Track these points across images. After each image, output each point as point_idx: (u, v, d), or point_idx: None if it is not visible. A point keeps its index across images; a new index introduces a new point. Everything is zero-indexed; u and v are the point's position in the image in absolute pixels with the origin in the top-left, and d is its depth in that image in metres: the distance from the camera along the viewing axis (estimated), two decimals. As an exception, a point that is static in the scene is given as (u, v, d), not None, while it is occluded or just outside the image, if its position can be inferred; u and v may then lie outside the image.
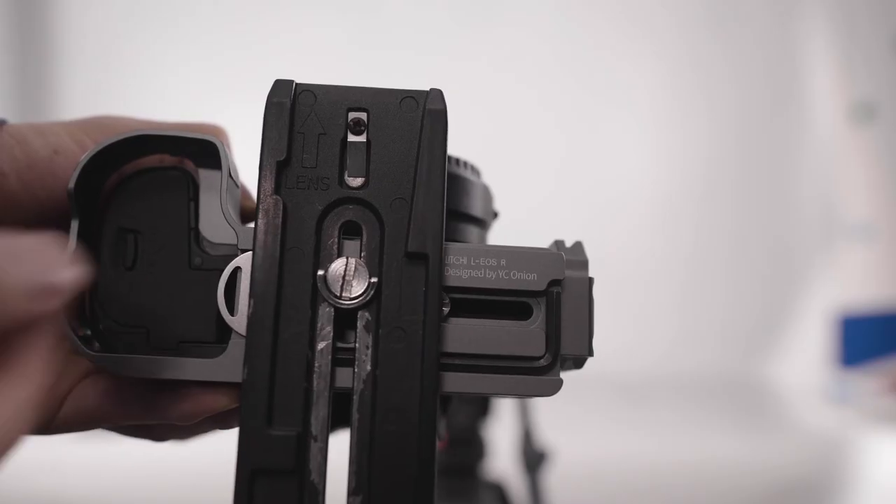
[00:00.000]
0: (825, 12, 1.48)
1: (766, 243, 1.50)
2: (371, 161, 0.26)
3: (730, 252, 1.48)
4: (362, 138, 0.26)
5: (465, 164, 0.31)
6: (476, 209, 0.31)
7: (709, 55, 1.47)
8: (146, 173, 0.27)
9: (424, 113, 0.26)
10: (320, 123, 0.26)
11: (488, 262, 0.26)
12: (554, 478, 0.58)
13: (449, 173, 0.29)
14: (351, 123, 0.26)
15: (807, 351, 1.47)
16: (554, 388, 0.26)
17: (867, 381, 1.44)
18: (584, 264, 0.27)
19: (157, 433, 0.29)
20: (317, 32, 1.37)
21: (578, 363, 0.27)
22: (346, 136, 0.26)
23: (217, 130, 0.30)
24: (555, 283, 0.26)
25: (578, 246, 0.28)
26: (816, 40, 1.48)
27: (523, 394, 0.26)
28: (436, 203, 0.25)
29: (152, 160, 0.28)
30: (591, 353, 0.27)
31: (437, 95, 0.26)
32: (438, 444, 0.25)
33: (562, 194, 1.43)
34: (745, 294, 1.48)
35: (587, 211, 1.44)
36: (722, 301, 1.47)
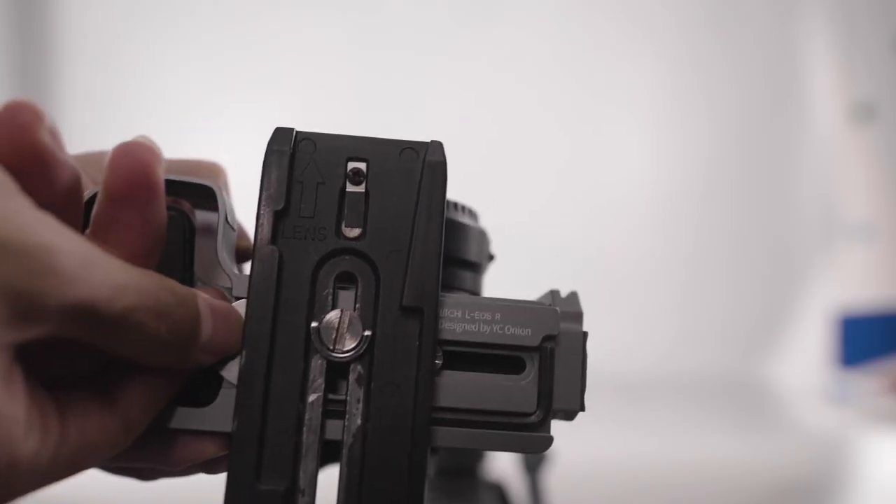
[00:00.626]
0: (825, 12, 1.48)
1: (766, 243, 1.50)
2: (369, 212, 0.26)
3: (730, 252, 1.48)
4: (361, 189, 0.26)
5: (463, 208, 0.31)
6: (471, 254, 0.31)
7: (709, 55, 1.47)
8: None
9: (424, 165, 0.26)
10: (319, 172, 0.26)
11: (483, 316, 0.26)
12: (554, 478, 0.58)
13: (447, 219, 0.29)
14: (350, 173, 0.26)
15: (807, 351, 1.47)
16: (544, 445, 0.26)
17: (867, 381, 1.44)
18: (578, 317, 0.27)
19: (144, 473, 0.29)
20: (317, 32, 1.37)
21: (569, 415, 0.27)
22: (344, 186, 0.26)
23: (215, 169, 0.30)
24: (549, 338, 0.26)
25: (573, 297, 0.27)
26: (816, 40, 1.48)
27: (513, 450, 0.26)
28: (433, 257, 0.25)
29: None
30: (582, 409, 0.27)
31: (437, 148, 0.26)
32: None
33: (562, 194, 1.43)
34: (745, 294, 1.48)
35: (587, 211, 1.44)
36: (722, 301, 1.47)
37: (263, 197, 0.25)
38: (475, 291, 0.32)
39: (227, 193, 0.30)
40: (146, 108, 1.31)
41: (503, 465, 0.56)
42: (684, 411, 1.30)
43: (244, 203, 0.31)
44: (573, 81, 1.44)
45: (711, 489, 1.06)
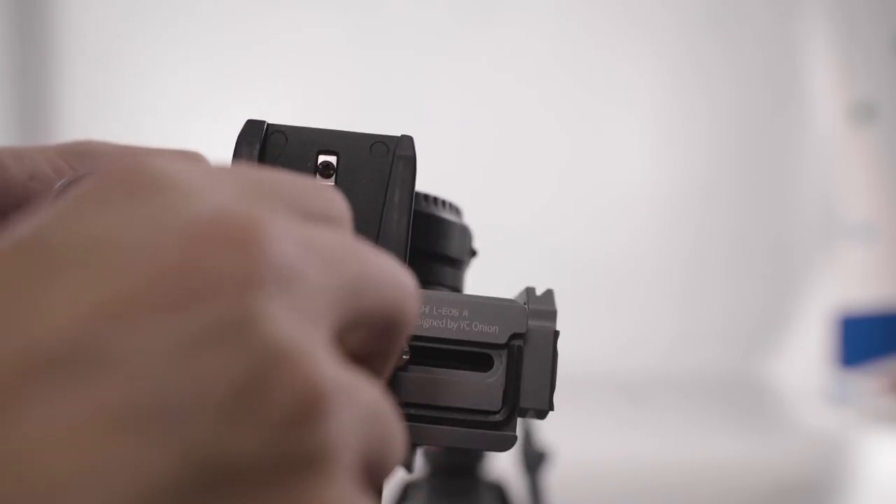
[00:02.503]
0: (825, 12, 1.48)
1: (767, 243, 1.50)
2: None
3: (730, 252, 1.48)
4: (331, 182, 0.26)
5: (444, 203, 0.31)
6: (451, 250, 0.31)
7: (709, 55, 1.47)
8: None
9: (394, 159, 0.26)
10: (289, 165, 0.26)
11: (450, 312, 0.26)
12: (554, 478, 0.58)
13: (427, 214, 0.29)
14: (320, 167, 0.26)
15: (807, 351, 1.47)
16: (507, 444, 0.26)
17: (867, 381, 1.44)
18: (551, 315, 0.26)
19: None
20: (317, 32, 1.37)
21: (540, 414, 0.27)
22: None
23: (195, 156, 0.30)
24: (516, 336, 0.26)
25: (549, 295, 0.27)
26: (816, 40, 1.48)
27: (477, 447, 0.26)
28: (399, 252, 0.25)
29: None
30: (551, 408, 0.26)
31: (407, 142, 0.26)
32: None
33: (562, 194, 1.43)
34: (746, 294, 1.48)
35: (587, 210, 1.44)
36: (722, 301, 1.47)
37: None
38: (455, 287, 0.31)
39: None
40: (146, 108, 1.31)
41: (503, 465, 0.56)
42: (684, 411, 1.31)
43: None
44: (573, 81, 1.44)
45: (712, 489, 1.06)
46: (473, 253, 0.33)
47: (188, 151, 0.31)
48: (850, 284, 1.48)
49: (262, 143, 0.26)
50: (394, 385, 0.25)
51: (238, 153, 0.26)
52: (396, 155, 0.26)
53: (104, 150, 0.29)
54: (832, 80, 1.48)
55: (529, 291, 0.27)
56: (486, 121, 1.42)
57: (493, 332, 0.26)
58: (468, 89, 1.41)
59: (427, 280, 0.29)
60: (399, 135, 0.27)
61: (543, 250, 1.39)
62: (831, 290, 1.48)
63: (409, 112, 1.38)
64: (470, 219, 0.33)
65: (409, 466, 0.32)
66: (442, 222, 0.30)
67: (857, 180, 1.49)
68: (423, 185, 0.28)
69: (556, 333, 0.26)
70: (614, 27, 1.46)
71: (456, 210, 0.32)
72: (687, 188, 1.47)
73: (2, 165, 0.27)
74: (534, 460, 0.56)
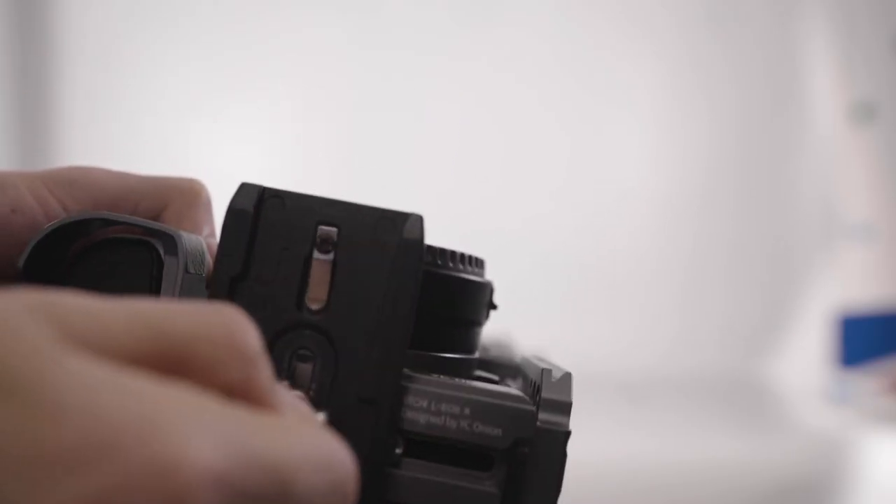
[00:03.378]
0: (825, 12, 1.48)
1: (767, 243, 1.50)
2: (335, 284, 0.24)
3: (730, 252, 1.48)
4: (329, 257, 0.24)
5: (466, 258, 0.28)
6: (467, 312, 0.28)
7: (709, 55, 1.47)
8: (109, 245, 0.25)
9: (400, 240, 0.24)
10: (285, 236, 0.24)
11: (450, 409, 0.24)
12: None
13: (445, 275, 0.27)
14: (318, 240, 0.24)
15: (807, 351, 1.47)
16: None
17: (867, 381, 1.44)
18: (565, 408, 0.24)
19: None
20: (317, 32, 1.37)
21: None
22: (311, 253, 0.24)
23: (191, 189, 0.28)
24: (522, 441, 0.23)
25: (566, 381, 0.24)
26: (816, 40, 1.48)
27: None
28: (396, 348, 0.23)
29: (118, 229, 0.26)
30: None
31: (415, 222, 0.24)
32: None
33: (562, 194, 1.43)
34: (746, 294, 1.48)
35: (588, 211, 1.44)
36: (722, 301, 1.47)
37: (220, 258, 0.24)
38: (469, 349, 0.29)
39: (205, 216, 0.29)
40: (146, 108, 1.31)
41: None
42: (684, 411, 1.30)
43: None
44: (573, 81, 1.44)
45: (712, 489, 1.06)
46: (493, 307, 0.30)
47: (190, 180, 0.29)
48: (850, 284, 1.48)
49: (256, 207, 0.24)
50: (384, 483, 0.23)
51: (229, 219, 0.24)
52: (403, 237, 0.24)
53: (92, 177, 0.27)
54: (832, 80, 1.48)
55: (545, 374, 0.25)
56: (485, 121, 1.42)
57: (496, 434, 0.24)
58: (468, 89, 1.41)
59: (438, 346, 0.27)
60: (409, 213, 0.24)
61: (543, 250, 1.39)
62: (831, 291, 1.48)
63: (409, 112, 1.38)
64: (470, 219, 0.32)
65: None
66: (462, 283, 0.28)
67: (857, 180, 1.49)
68: (423, 184, 0.27)
69: (568, 434, 0.24)
70: (614, 27, 1.46)
71: (479, 264, 0.29)
72: (687, 188, 1.47)
73: None
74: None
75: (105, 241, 0.25)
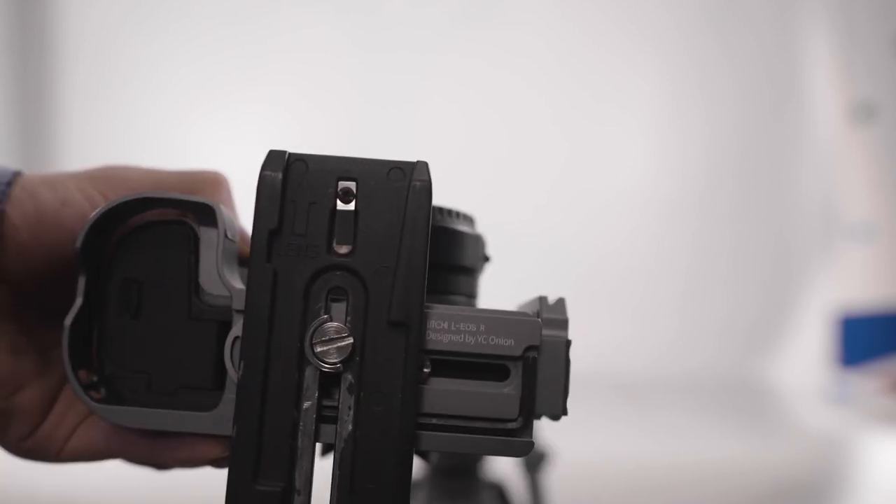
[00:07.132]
0: (825, 12, 1.48)
1: (766, 243, 1.50)
2: (358, 230, 0.27)
3: (730, 252, 1.48)
4: (351, 207, 0.27)
5: (458, 214, 0.32)
6: (466, 260, 0.32)
7: (709, 55, 1.47)
8: (150, 227, 0.29)
9: (410, 185, 0.27)
10: (311, 192, 0.27)
11: (468, 327, 0.27)
12: (554, 478, 0.58)
13: (442, 227, 0.31)
14: (340, 193, 0.27)
15: (807, 351, 1.47)
16: (524, 449, 0.27)
17: (867, 381, 1.44)
18: (563, 324, 0.28)
19: (161, 465, 0.31)
20: (317, 32, 1.37)
21: (554, 417, 0.29)
22: (335, 205, 0.27)
23: (216, 180, 0.32)
24: (531, 348, 0.27)
25: (560, 304, 0.28)
26: (816, 40, 1.48)
27: (495, 453, 0.27)
28: (418, 275, 0.27)
29: (156, 213, 0.29)
30: (564, 413, 0.28)
31: (422, 168, 0.27)
32: None
33: (562, 193, 1.44)
34: (745, 294, 1.48)
35: (587, 210, 1.44)
36: (722, 301, 1.47)
37: (258, 217, 0.27)
38: (470, 293, 0.33)
39: (230, 203, 0.32)
40: (146, 108, 1.31)
41: (503, 465, 0.56)
42: (684, 411, 1.31)
43: (246, 203, 0.31)
44: (573, 81, 1.44)
45: (711, 489, 1.06)
46: (487, 259, 0.35)
47: (213, 173, 0.31)
48: (850, 284, 1.48)
49: (284, 171, 0.27)
50: (416, 397, 0.27)
51: (262, 182, 0.27)
52: (412, 181, 0.27)
53: (128, 173, 0.30)
54: (832, 80, 1.48)
55: (542, 300, 0.28)
56: (485, 120, 1.42)
57: (508, 345, 0.27)
58: (468, 89, 1.41)
59: (444, 290, 0.31)
60: (416, 161, 0.28)
61: (543, 250, 1.39)
62: (831, 291, 1.48)
63: (409, 112, 1.38)
64: (470, 219, 0.34)
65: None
66: (456, 234, 0.32)
67: (857, 180, 1.49)
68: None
69: (569, 343, 0.28)
70: (614, 27, 1.46)
71: (470, 220, 0.33)
72: (687, 188, 1.47)
73: (35, 194, 0.28)
74: (534, 460, 0.56)
75: (145, 224, 0.29)
